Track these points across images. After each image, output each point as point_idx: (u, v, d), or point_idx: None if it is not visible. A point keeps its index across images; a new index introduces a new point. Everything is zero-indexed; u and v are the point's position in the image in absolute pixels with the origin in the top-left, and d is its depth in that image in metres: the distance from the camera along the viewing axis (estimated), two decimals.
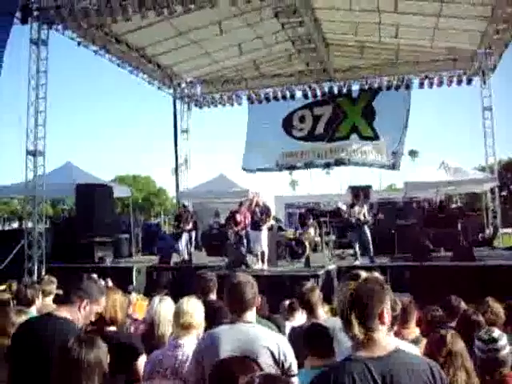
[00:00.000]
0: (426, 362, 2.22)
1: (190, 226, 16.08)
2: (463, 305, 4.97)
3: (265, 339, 3.04)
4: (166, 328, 4.11)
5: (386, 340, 2.18)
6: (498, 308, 4.76)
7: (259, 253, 13.17)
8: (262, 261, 13.11)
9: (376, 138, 22.10)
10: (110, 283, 5.81)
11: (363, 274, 2.21)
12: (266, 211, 13.40)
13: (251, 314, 3.20)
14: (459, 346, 3.14)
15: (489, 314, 4.57)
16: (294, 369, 3.06)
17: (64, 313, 3.23)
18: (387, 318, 2.18)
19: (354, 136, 22.53)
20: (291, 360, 3.05)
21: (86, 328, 3.73)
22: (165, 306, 4.24)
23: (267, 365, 2.92)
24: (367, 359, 2.08)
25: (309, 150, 23.04)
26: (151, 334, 4.11)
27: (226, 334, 3.07)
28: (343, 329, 2.20)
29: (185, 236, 15.94)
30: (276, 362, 2.96)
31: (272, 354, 2.97)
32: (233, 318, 3.19)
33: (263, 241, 13.18)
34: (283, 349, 3.03)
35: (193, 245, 16.48)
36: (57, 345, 2.72)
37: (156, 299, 4.41)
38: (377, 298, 2.18)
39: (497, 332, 3.45)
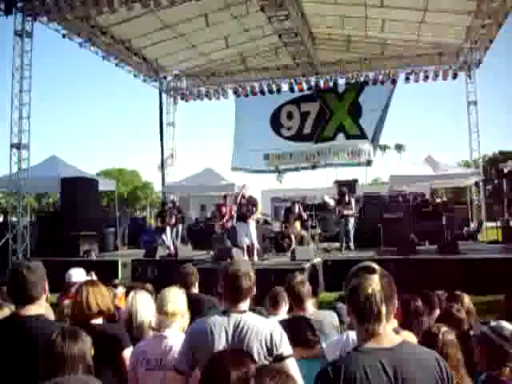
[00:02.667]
0: (433, 354, 2.22)
1: (174, 220, 15.95)
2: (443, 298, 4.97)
3: (256, 326, 3.02)
4: (144, 319, 4.10)
5: (392, 332, 2.20)
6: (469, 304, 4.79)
7: (245, 245, 13.09)
8: (250, 254, 13.01)
9: (362, 135, 22.13)
10: (94, 276, 5.77)
11: (377, 267, 2.21)
12: (252, 203, 13.27)
13: (245, 304, 3.18)
14: (450, 345, 3.13)
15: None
16: (287, 352, 3.03)
17: (32, 310, 3.12)
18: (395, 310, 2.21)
19: (340, 135, 22.56)
20: (284, 344, 3.03)
21: (71, 321, 3.71)
22: (140, 298, 4.22)
23: (259, 351, 2.92)
24: (377, 351, 2.08)
25: (297, 151, 23.01)
26: (130, 327, 4.09)
27: (219, 323, 3.05)
28: (361, 322, 2.16)
29: (169, 230, 15.86)
30: (268, 348, 2.96)
31: (264, 340, 2.97)
32: (226, 307, 3.17)
33: (252, 233, 12.99)
34: (275, 334, 3.02)
35: (179, 238, 16.44)
36: (39, 343, 2.68)
37: (131, 292, 4.40)
38: (394, 290, 2.20)
39: None
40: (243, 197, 13.26)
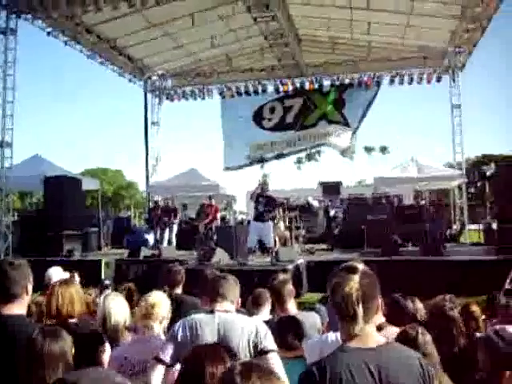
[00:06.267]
0: (416, 354, 2.22)
1: (178, 219, 16.44)
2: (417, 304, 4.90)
3: (241, 323, 3.10)
4: (118, 321, 4.07)
5: (375, 332, 2.20)
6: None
7: (253, 245, 12.68)
8: (269, 253, 12.68)
9: (345, 123, 22.27)
10: (77, 277, 5.73)
11: (360, 267, 2.20)
12: (272, 203, 12.30)
13: (229, 305, 3.25)
14: (429, 345, 3.14)
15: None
16: (271, 346, 3.09)
17: (14, 309, 3.05)
18: (380, 309, 2.20)
19: (322, 122, 22.66)
20: (269, 339, 3.10)
21: (46, 322, 3.68)
22: (112, 300, 4.19)
23: (246, 348, 2.98)
24: (362, 350, 2.08)
25: (279, 140, 23.13)
26: (103, 329, 4.05)
27: (205, 321, 3.10)
28: (341, 321, 2.18)
29: (175, 228, 16.26)
30: (254, 343, 3.02)
31: (249, 336, 3.03)
32: (212, 307, 3.23)
33: (269, 234, 12.28)
34: (260, 329, 3.09)
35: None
36: (19, 343, 2.65)
37: (102, 296, 4.38)
38: (376, 290, 2.20)
39: None
40: (261, 195, 12.31)
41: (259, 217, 12.19)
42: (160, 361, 3.12)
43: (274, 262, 12.07)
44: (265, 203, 12.13)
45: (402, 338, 3.16)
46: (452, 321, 4.00)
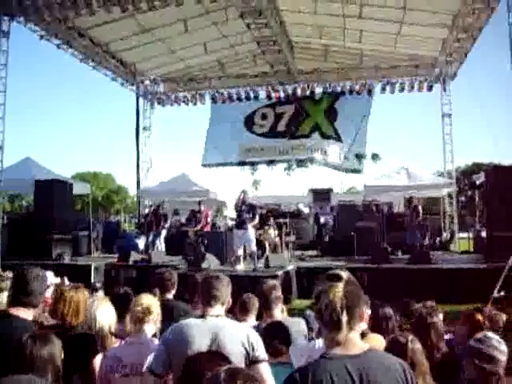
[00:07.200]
0: (398, 361, 2.23)
1: (168, 224, 16.49)
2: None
3: (233, 329, 3.09)
4: (103, 326, 4.06)
5: (359, 339, 2.20)
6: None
7: (239, 252, 12.91)
8: (251, 259, 12.81)
9: (338, 138, 22.34)
10: (67, 281, 5.71)
11: (344, 275, 2.20)
12: (253, 210, 12.76)
13: (220, 309, 3.24)
14: (419, 353, 3.16)
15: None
16: (262, 356, 3.09)
17: (21, 312, 3.23)
18: (365, 317, 2.21)
19: (315, 135, 22.73)
20: (260, 348, 3.09)
21: (43, 325, 3.70)
22: (98, 305, 4.18)
23: (237, 354, 2.96)
24: (344, 357, 2.09)
25: (270, 146, 23.20)
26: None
27: (196, 327, 3.09)
28: (324, 328, 2.18)
29: (164, 233, 16.26)
30: (246, 350, 3.01)
31: (241, 343, 3.02)
32: (202, 312, 3.22)
33: (251, 240, 12.68)
34: (251, 337, 3.08)
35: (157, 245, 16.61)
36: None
37: (90, 299, 4.37)
38: (361, 298, 2.21)
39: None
40: (243, 203, 12.82)
41: (241, 224, 12.64)
42: (152, 373, 3.12)
43: (256, 268, 12.33)
44: (247, 211, 12.64)
45: (392, 346, 3.18)
46: (431, 327, 4.03)
